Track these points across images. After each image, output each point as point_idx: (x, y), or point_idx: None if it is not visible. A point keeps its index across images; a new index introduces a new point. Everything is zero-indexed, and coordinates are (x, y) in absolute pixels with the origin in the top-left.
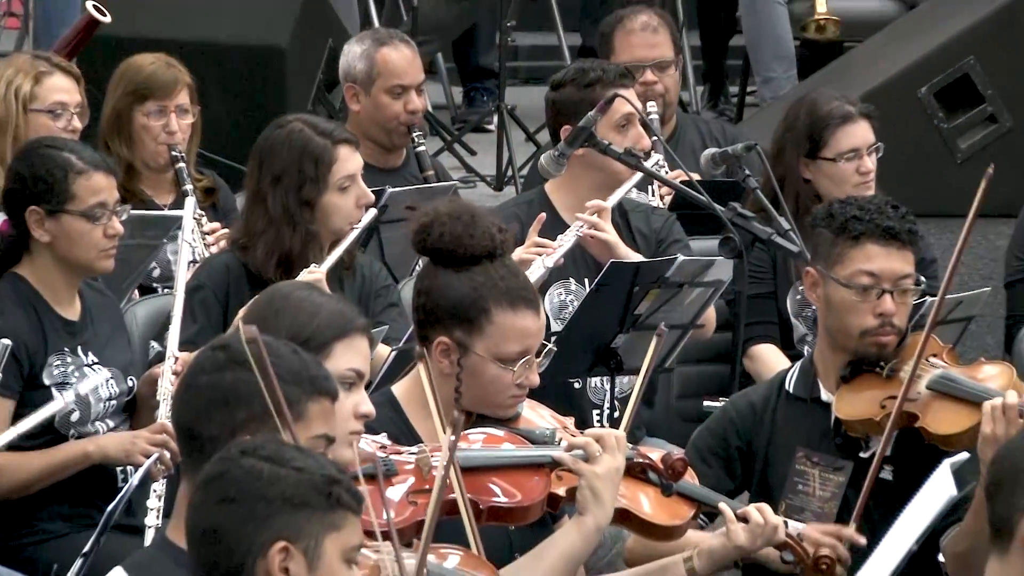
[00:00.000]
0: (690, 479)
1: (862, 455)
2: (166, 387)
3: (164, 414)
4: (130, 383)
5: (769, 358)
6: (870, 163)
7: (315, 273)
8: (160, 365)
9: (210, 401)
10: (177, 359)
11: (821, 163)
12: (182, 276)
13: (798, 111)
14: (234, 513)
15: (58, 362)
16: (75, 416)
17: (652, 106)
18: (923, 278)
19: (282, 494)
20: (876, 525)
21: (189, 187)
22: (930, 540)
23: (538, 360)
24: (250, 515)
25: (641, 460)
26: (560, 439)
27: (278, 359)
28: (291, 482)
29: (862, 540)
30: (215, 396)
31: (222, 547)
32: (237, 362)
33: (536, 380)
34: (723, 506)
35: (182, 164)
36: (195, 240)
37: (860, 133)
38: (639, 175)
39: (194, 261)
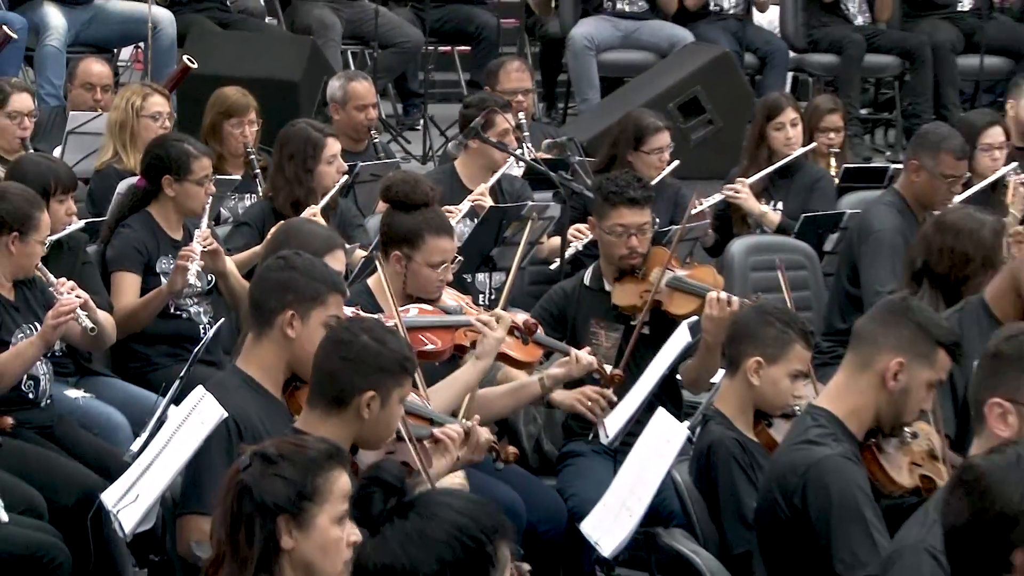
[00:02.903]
0: (542, 335)
1: (632, 323)
2: (196, 248)
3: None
4: (210, 278)
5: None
6: (667, 156)
7: (314, 209)
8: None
9: (272, 287)
10: (203, 237)
11: (640, 154)
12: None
13: (628, 121)
14: (348, 368)
15: (165, 261)
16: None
17: (521, 115)
18: (657, 219)
19: (379, 363)
20: (641, 361)
21: (259, 170)
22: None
23: (452, 265)
24: (356, 371)
25: (512, 324)
26: (464, 310)
27: (312, 266)
28: (386, 357)
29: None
30: (274, 285)
31: (338, 385)
32: (290, 266)
33: (450, 277)
34: (571, 349)
35: (253, 156)
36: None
37: (664, 138)
38: (510, 160)
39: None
